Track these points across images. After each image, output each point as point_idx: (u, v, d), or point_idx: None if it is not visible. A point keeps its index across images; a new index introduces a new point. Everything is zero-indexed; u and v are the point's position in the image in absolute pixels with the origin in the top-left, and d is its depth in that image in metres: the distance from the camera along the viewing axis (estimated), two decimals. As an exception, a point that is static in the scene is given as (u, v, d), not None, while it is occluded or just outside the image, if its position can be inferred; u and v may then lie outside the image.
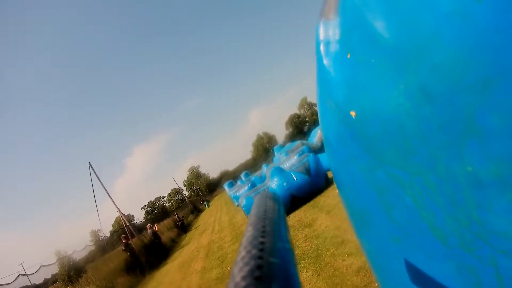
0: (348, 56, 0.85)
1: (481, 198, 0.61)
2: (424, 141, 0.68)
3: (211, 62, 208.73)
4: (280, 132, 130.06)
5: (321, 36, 0.95)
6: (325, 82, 0.96)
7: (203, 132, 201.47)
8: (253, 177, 18.13)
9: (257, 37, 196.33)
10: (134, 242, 17.81)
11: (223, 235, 13.11)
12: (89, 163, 21.25)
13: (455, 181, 0.64)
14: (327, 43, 0.93)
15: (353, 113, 0.86)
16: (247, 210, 9.68)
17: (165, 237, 21.50)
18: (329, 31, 0.92)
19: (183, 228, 25.34)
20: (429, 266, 0.81)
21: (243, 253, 0.41)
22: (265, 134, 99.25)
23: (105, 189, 21.12)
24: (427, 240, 0.76)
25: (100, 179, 21.15)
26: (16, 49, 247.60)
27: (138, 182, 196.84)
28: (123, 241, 15.87)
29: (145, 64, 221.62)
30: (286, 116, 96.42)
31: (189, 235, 22.60)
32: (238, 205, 14.70)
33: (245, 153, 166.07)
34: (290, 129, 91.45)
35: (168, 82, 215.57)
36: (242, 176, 24.22)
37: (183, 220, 26.75)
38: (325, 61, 0.94)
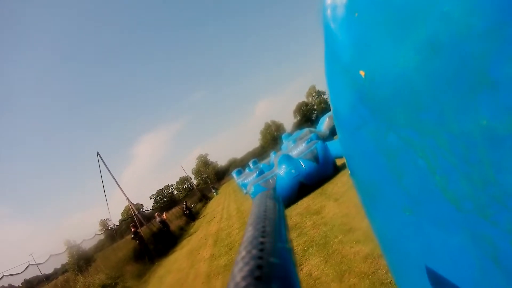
0: (356, 15, 0.81)
1: (497, 155, 0.57)
2: (434, 97, 0.64)
3: (219, 54, 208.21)
4: (288, 120, 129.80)
5: (328, 1, 0.92)
6: (332, 46, 0.93)
7: (211, 122, 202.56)
8: (261, 165, 18.11)
9: (265, 28, 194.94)
10: (143, 230, 17.98)
11: (231, 222, 13.17)
12: (98, 152, 21.36)
13: (468, 138, 0.60)
14: (334, 8, 0.90)
15: (362, 73, 0.82)
16: (255, 198, 9.65)
17: (174, 225, 21.70)
18: None
19: (192, 216, 25.55)
20: (442, 239, 0.75)
21: (243, 253, 0.41)
22: (273, 122, 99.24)
23: (114, 178, 21.27)
24: (440, 207, 0.72)
25: (109, 168, 21.29)
26: (29, 41, 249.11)
27: (147, 171, 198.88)
28: (132, 230, 16.02)
29: (154, 56, 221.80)
30: (294, 105, 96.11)
31: (197, 223, 22.82)
32: (246, 193, 14.72)
33: (254, 141, 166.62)
34: (298, 117, 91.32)
35: (177, 74, 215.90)
36: (250, 164, 24.29)
37: (191, 208, 26.96)
38: (332, 25, 0.91)
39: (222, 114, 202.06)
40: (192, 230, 20.17)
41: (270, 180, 9.37)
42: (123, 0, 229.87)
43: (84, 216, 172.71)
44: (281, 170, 9.32)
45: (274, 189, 8.82)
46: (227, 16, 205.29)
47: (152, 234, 17.97)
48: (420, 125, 0.69)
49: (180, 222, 23.73)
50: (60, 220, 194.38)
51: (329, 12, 0.92)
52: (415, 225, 0.83)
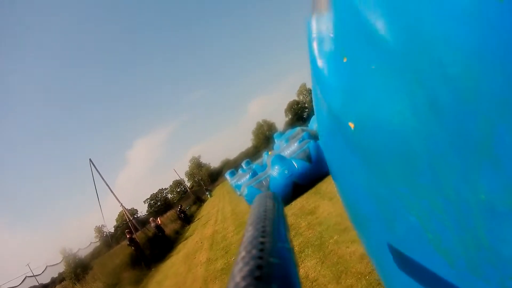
0: (345, 60, 0.76)
1: (493, 226, 0.56)
2: (432, 161, 0.61)
3: (210, 55, 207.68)
4: (280, 119, 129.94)
5: (314, 32, 0.88)
6: (320, 84, 0.88)
7: (203, 124, 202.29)
8: (254, 165, 18.11)
9: (254, 28, 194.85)
10: (138, 236, 17.90)
11: (226, 225, 13.12)
12: (90, 159, 21.24)
13: (465, 206, 0.58)
14: (320, 41, 0.85)
15: (351, 125, 0.78)
16: (249, 200, 9.64)
17: (169, 229, 21.62)
18: (322, 26, 0.84)
19: (186, 219, 25.47)
20: (433, 284, 0.75)
21: (243, 253, 0.41)
22: (265, 121, 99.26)
23: (107, 185, 21.14)
24: (432, 259, 0.71)
25: (102, 174, 21.23)
26: (14, 47, 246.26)
27: (141, 175, 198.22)
28: (127, 236, 15.92)
29: (145, 59, 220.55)
30: (285, 104, 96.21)
31: (192, 226, 22.72)
32: (240, 194, 14.70)
33: (246, 142, 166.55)
34: (290, 116, 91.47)
35: (168, 76, 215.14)
36: (243, 165, 24.25)
37: (185, 211, 26.86)
38: (319, 62, 0.86)
39: (214, 115, 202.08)
40: (187, 233, 20.07)
41: (264, 182, 9.37)
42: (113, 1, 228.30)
43: (79, 223, 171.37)
44: (274, 171, 9.32)
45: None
46: (218, 15, 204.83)
47: (148, 239, 17.89)
48: (414, 185, 0.66)
49: (175, 225, 23.65)
50: (55, 228, 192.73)
51: (315, 45, 0.87)
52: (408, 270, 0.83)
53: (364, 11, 0.67)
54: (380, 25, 0.64)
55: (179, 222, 25.05)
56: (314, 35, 0.87)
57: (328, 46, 0.82)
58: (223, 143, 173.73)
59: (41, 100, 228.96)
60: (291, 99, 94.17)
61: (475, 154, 0.53)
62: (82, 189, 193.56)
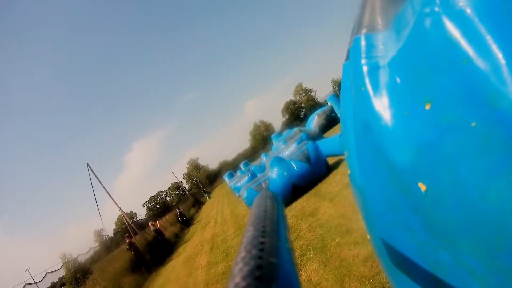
0: (428, 107, 0.60)
1: None
2: None
3: (205, 56, 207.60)
4: (277, 120, 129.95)
5: (363, 55, 0.67)
6: (373, 131, 0.70)
7: (200, 125, 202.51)
8: (252, 167, 18.10)
9: (249, 28, 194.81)
10: (137, 240, 17.84)
11: (226, 227, 13.08)
12: (88, 164, 21.18)
13: None
14: (375, 67, 0.64)
15: (422, 186, 0.65)
16: (249, 202, 9.61)
17: (169, 232, 21.57)
18: (376, 46, 0.64)
19: (186, 222, 25.43)
20: None
21: (243, 253, 0.41)
22: (262, 122, 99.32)
23: (105, 189, 21.09)
24: None
25: (100, 178, 21.12)
26: (10, 47, 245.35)
27: (139, 178, 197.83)
28: (127, 241, 15.86)
29: (139, 61, 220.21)
30: (282, 103, 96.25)
31: (192, 229, 22.66)
32: (239, 196, 14.69)
33: (243, 143, 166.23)
34: (287, 116, 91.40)
35: (164, 77, 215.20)
36: (242, 166, 24.26)
37: (184, 215, 26.84)
38: (374, 101, 0.66)
39: (211, 116, 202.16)
40: (187, 236, 20.03)
41: (263, 184, 9.33)
42: (104, 5, 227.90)
43: (79, 227, 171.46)
44: (273, 173, 9.30)
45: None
46: (212, 15, 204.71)
47: (147, 243, 17.83)
48: (490, 261, 0.57)
49: (175, 229, 23.62)
50: (54, 233, 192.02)
51: (365, 73, 0.66)
52: None
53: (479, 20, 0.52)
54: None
55: (178, 225, 25.00)
56: (363, 60, 0.67)
57: (387, 75, 0.63)
58: (220, 144, 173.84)
59: (38, 104, 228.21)
60: (288, 99, 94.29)
61: None
62: (80, 193, 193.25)
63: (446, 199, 0.61)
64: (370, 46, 0.65)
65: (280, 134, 19.80)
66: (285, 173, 9.05)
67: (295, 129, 16.90)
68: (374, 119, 0.67)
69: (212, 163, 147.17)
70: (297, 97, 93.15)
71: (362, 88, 0.68)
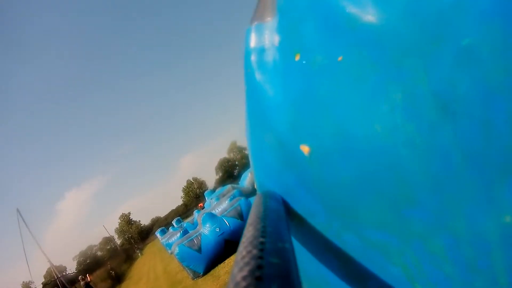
0: (297, 58, 0.56)
1: None
2: (438, 187, 0.45)
3: (139, 110, 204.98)
4: (211, 177, 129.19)
5: (252, 43, 0.67)
6: (260, 106, 0.67)
7: (134, 180, 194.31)
8: (185, 224, 17.62)
9: (186, 85, 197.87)
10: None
11: (158, 284, 12.55)
12: (17, 209, 19.25)
13: (480, 240, 0.44)
14: (261, 51, 0.64)
15: (305, 148, 0.58)
16: (181, 258, 9.30)
17: (100, 288, 20.04)
18: (264, 36, 0.64)
19: (117, 279, 24.04)
20: None
21: (243, 253, 0.40)
22: (195, 179, 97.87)
23: (36, 241, 19.20)
24: None
25: (30, 226, 19.29)
26: None
27: (70, 229, 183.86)
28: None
29: (80, 104, 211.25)
30: (216, 161, 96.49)
31: (123, 285, 21.31)
32: (171, 253, 14.12)
33: (176, 199, 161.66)
34: (220, 174, 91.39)
35: (100, 129, 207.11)
36: (174, 223, 23.48)
37: (116, 272, 25.28)
38: (258, 76, 0.65)
39: (144, 172, 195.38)
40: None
41: (195, 240, 9.15)
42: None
43: (1, 277, 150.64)
44: (206, 229, 9.19)
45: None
46: (152, 69, 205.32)
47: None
48: (402, 227, 0.51)
49: (106, 285, 21.99)
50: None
51: (254, 58, 0.66)
52: None
53: None
54: (357, 4, 0.47)
55: (109, 281, 23.45)
56: (252, 45, 0.66)
57: (271, 55, 0.62)
58: (153, 201, 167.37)
59: None
60: (222, 157, 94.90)
61: (502, 165, 0.39)
62: (6, 238, 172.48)
63: (333, 157, 0.54)
64: (259, 35, 0.65)
65: (213, 191, 19.69)
66: (218, 229, 8.98)
67: (228, 186, 16.92)
68: (261, 98, 0.65)
69: (144, 219, 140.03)
70: (231, 154, 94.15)
71: (250, 73, 0.68)
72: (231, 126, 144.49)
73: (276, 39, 0.61)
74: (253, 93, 0.68)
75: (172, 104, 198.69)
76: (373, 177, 0.50)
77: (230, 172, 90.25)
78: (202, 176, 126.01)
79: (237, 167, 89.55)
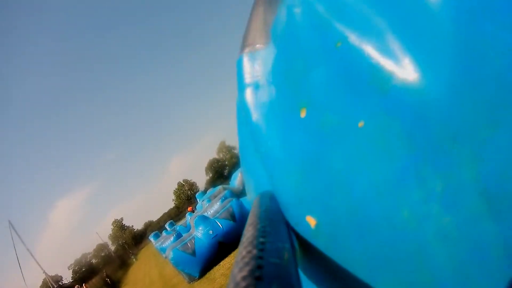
0: (303, 114, 0.49)
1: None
2: (467, 280, 0.40)
3: (125, 115, 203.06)
4: (201, 178, 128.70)
5: (246, 77, 0.59)
6: (257, 154, 0.61)
7: (124, 185, 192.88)
8: (178, 227, 17.58)
9: (170, 86, 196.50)
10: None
11: (155, 289, 12.29)
12: (9, 221, 18.96)
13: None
14: (256, 87, 0.57)
15: (311, 221, 0.52)
16: (175, 263, 9.29)
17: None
18: (258, 67, 0.57)
19: (113, 286, 23.90)
20: None
21: (243, 253, 0.40)
22: (186, 181, 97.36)
23: (30, 252, 18.97)
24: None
25: (23, 237, 18.99)
26: None
27: (64, 237, 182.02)
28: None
29: (68, 112, 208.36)
30: (205, 162, 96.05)
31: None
32: (165, 257, 14.07)
33: (168, 202, 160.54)
34: (211, 174, 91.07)
35: (85, 135, 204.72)
36: (167, 226, 23.42)
37: (112, 279, 25.21)
38: (254, 116, 0.57)
39: (134, 176, 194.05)
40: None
41: (189, 243, 9.15)
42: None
43: None
44: (199, 232, 9.20)
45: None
46: (139, 70, 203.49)
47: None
48: None
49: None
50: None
51: (249, 95, 0.58)
52: None
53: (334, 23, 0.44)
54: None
55: None
56: (247, 80, 0.59)
57: (268, 96, 0.54)
58: (145, 204, 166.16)
59: None
60: (211, 157, 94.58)
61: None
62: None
63: (343, 233, 0.49)
64: (253, 66, 0.58)
65: (204, 192, 19.65)
66: (211, 232, 9.00)
67: (219, 187, 16.91)
68: (260, 147, 0.58)
69: (137, 224, 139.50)
70: (221, 154, 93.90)
71: (245, 113, 0.60)
72: (218, 124, 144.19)
73: (274, 78, 0.53)
74: (249, 134, 0.60)
75: (157, 106, 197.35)
76: (390, 264, 0.45)
77: (220, 172, 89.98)
78: (192, 178, 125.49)
79: (227, 167, 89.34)
